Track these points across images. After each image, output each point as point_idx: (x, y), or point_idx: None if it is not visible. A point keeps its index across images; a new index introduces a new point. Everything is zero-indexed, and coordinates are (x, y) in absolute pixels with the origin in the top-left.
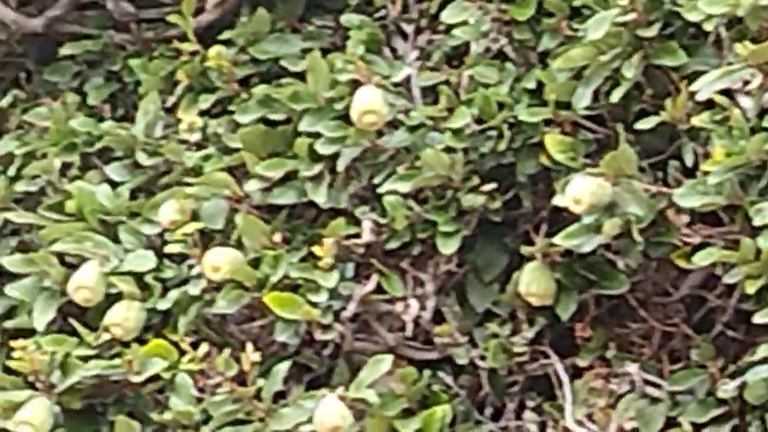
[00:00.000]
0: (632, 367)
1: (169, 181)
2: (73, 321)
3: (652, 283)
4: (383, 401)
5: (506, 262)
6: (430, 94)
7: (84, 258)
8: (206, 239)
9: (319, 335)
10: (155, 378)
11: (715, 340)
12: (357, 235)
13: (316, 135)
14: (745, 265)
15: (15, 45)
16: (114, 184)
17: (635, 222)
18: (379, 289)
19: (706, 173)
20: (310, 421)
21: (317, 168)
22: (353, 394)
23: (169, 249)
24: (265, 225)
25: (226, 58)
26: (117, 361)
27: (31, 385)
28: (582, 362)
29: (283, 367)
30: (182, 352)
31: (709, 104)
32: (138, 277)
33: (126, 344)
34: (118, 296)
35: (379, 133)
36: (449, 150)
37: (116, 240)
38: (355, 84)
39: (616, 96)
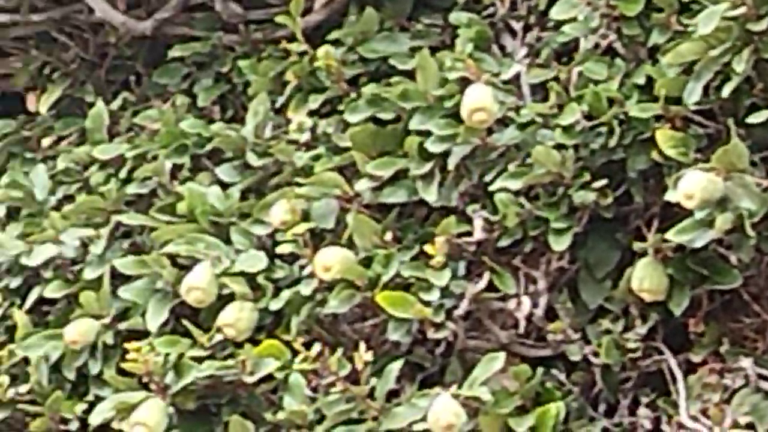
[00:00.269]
0: (746, 362)
1: (279, 182)
2: (185, 322)
3: (765, 278)
4: (496, 399)
5: (618, 258)
6: (540, 91)
7: (196, 259)
8: (317, 239)
9: (431, 333)
10: (268, 378)
11: None
12: (468, 233)
13: (426, 133)
14: None
15: (124, 48)
16: (224, 186)
17: (747, 216)
18: (491, 287)
19: None
20: (423, 419)
21: (428, 166)
22: (466, 392)
23: (280, 249)
24: (375, 224)
25: (335, 58)
26: (230, 362)
27: (146, 387)
28: (695, 357)
29: (396, 366)
30: (295, 352)
31: None
32: (250, 277)
33: (239, 345)
34: (231, 297)
35: (489, 131)
36: (560, 147)
37: (227, 241)
38: (465, 82)
39: (726, 90)
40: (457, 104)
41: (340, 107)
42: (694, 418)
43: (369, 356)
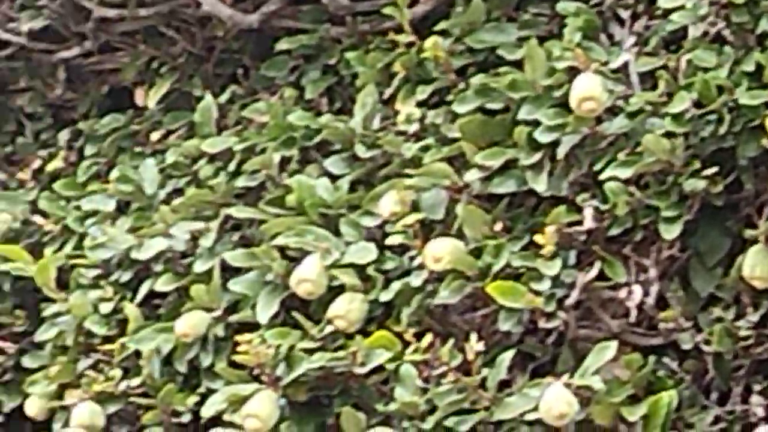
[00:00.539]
0: None
1: (388, 173)
2: (296, 314)
3: None
4: (609, 388)
5: (729, 246)
6: (648, 79)
7: (305, 251)
8: (426, 230)
9: (542, 323)
10: (379, 369)
11: None
12: (578, 223)
13: (535, 123)
14: None
15: (231, 41)
16: (333, 177)
17: None
18: (601, 276)
19: None
20: (535, 409)
21: (537, 156)
22: (578, 381)
23: (390, 240)
24: (485, 214)
25: (443, 49)
26: (341, 353)
27: (257, 379)
28: None
29: (507, 356)
30: (406, 343)
31: None
32: (360, 269)
33: (350, 336)
34: (341, 289)
35: (599, 120)
36: (669, 135)
37: (337, 233)
38: (573, 71)
39: None
40: (565, 94)
41: (449, 98)
42: None
43: (480, 346)
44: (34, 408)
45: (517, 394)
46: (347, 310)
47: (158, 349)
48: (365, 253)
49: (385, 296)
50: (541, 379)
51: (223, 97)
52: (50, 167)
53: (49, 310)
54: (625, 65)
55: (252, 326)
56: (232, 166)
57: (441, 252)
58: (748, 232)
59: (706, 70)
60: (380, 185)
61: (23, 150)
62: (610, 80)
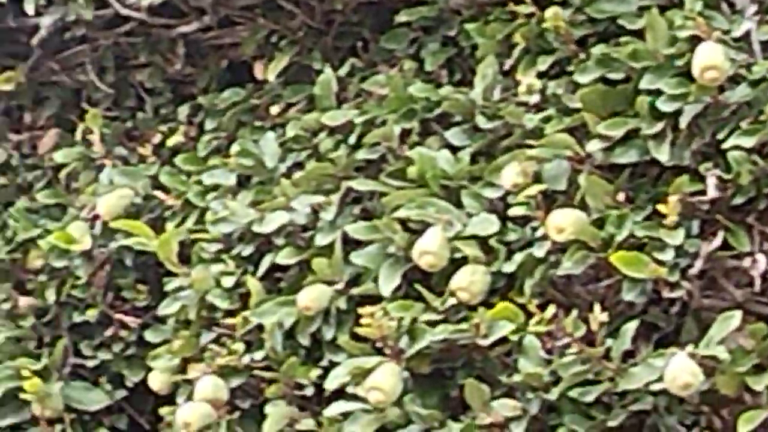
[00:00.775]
0: None
1: (509, 144)
2: (418, 286)
3: None
4: (733, 358)
5: None
6: None
7: (427, 223)
8: (549, 201)
9: (666, 293)
10: (503, 341)
11: None
12: (702, 192)
13: (657, 92)
14: None
15: (351, 14)
16: (454, 149)
17: None
18: (725, 245)
19: None
20: (660, 379)
21: (659, 126)
22: (703, 351)
23: (512, 212)
24: (607, 184)
25: (563, 19)
26: (464, 325)
27: (380, 351)
28: None
29: (631, 327)
30: (529, 315)
31: None
32: (482, 240)
33: (472, 308)
34: (463, 260)
35: (721, 89)
36: None
37: (458, 204)
38: (695, 40)
39: None
40: (687, 63)
41: (569, 68)
42: None
43: (604, 317)
44: (157, 382)
45: (641, 364)
46: (470, 282)
47: (280, 323)
48: (487, 224)
49: (508, 268)
50: (665, 350)
51: (343, 70)
52: (171, 142)
53: (171, 285)
54: (747, 34)
55: (374, 299)
56: (352, 139)
57: (564, 223)
58: None
59: None
60: (501, 156)
61: (144, 125)
62: (732, 49)
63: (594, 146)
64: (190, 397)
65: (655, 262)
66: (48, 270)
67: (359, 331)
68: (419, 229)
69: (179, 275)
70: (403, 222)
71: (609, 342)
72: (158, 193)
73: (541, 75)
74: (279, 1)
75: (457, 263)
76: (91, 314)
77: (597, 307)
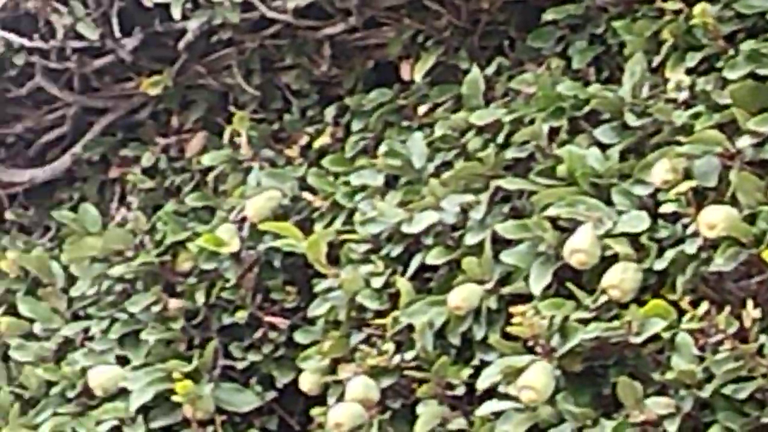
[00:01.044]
0: None
1: (658, 141)
2: (569, 284)
3: None
4: None
5: None
6: None
7: (577, 221)
8: (699, 197)
9: None
10: (655, 338)
11: None
12: None
13: None
14: None
15: (497, 13)
16: (603, 147)
17: None
18: None
19: None
20: None
21: None
22: None
23: (663, 209)
24: (759, 180)
25: (711, 15)
26: (616, 323)
27: (531, 350)
28: None
29: None
30: (681, 312)
31: None
32: (633, 238)
33: (624, 306)
34: (614, 258)
35: None
36: None
37: (608, 202)
38: None
39: None
40: None
41: (718, 64)
42: None
43: (756, 313)
44: (307, 383)
45: None
46: (621, 279)
47: (431, 323)
48: (638, 221)
49: (659, 265)
50: None
51: (490, 69)
52: (317, 143)
53: (320, 286)
54: None
55: (525, 298)
56: (500, 138)
57: (715, 219)
58: None
59: None
60: (651, 153)
61: (290, 127)
62: None
63: (744, 142)
64: (341, 398)
65: None
66: (197, 272)
67: (510, 330)
68: (569, 228)
69: (328, 276)
70: (553, 220)
71: (762, 338)
72: (306, 195)
73: (689, 71)
74: (425, 1)
75: (607, 261)
76: (241, 316)
77: (750, 304)
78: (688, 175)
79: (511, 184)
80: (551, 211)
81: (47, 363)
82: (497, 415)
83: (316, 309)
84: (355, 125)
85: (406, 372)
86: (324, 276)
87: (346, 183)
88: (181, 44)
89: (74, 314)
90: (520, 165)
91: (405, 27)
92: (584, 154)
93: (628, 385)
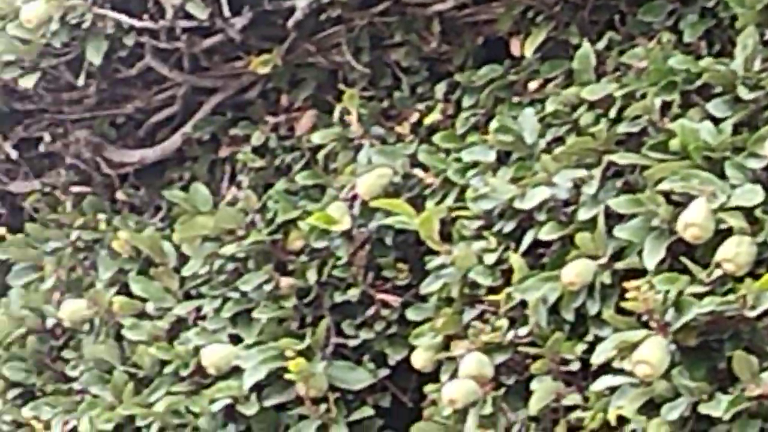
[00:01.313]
0: None
1: None
2: (683, 259)
3: None
4: None
5: None
6: None
7: (691, 195)
8: None
9: None
10: None
11: None
12: None
13: None
14: None
15: None
16: (716, 120)
17: None
18: None
19: None
20: None
21: None
22: None
23: None
24: None
25: None
26: (730, 297)
27: (645, 325)
28: None
29: None
30: None
31: None
32: (747, 211)
33: (739, 279)
34: (728, 232)
35: None
36: None
37: (722, 176)
38: None
39: None
40: None
41: None
42: None
43: None
44: (420, 360)
45: None
46: (735, 253)
47: (544, 298)
48: (752, 195)
49: None
50: None
51: (600, 44)
52: (428, 120)
53: (433, 263)
54: None
55: (639, 272)
56: (612, 113)
57: None
58: None
59: None
60: (764, 127)
61: (400, 104)
62: None
63: None
64: (454, 375)
65: None
66: (308, 251)
67: (624, 305)
68: (682, 202)
69: (441, 253)
70: (666, 194)
71: None
72: (417, 172)
73: None
74: None
75: (721, 235)
76: (353, 294)
77: None
78: None
79: (623, 158)
80: (664, 186)
81: (160, 342)
82: (612, 390)
83: (429, 286)
84: (466, 101)
85: (519, 348)
86: (436, 253)
87: (458, 159)
88: (291, 22)
89: (186, 293)
90: (632, 139)
91: (515, 2)
92: (697, 127)
93: (743, 359)
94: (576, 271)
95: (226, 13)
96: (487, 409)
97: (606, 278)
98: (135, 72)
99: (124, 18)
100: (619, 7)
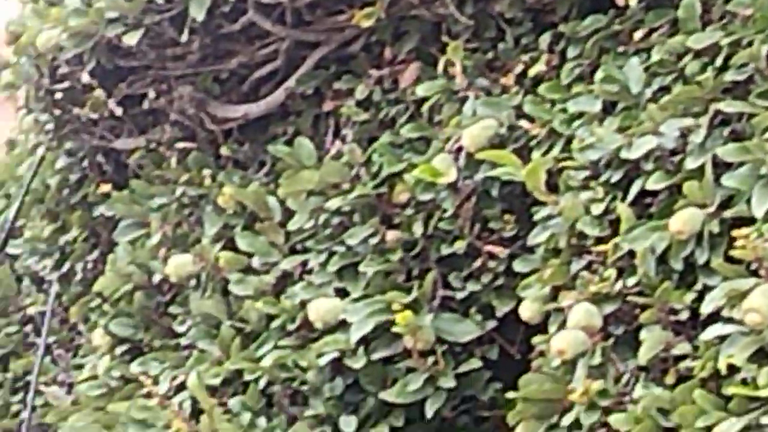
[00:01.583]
0: None
1: None
2: None
3: None
4: None
5: None
6: None
7: None
8: None
9: None
10: None
11: None
12: None
13: None
14: None
15: None
16: None
17: None
18: None
19: None
20: None
21: None
22: None
23: None
24: None
25: None
26: None
27: (755, 273)
28: None
29: None
30: None
31: None
32: None
33: None
34: None
35: None
36: None
37: None
38: None
39: None
40: None
41: None
42: None
43: None
44: (527, 311)
45: None
46: None
47: (652, 248)
48: None
49: None
50: None
51: None
52: (533, 71)
53: (540, 214)
54: None
55: (747, 221)
56: (718, 61)
57: None
58: None
59: None
60: None
61: (505, 55)
62: None
63: None
64: (562, 326)
65: None
66: (414, 203)
67: (733, 253)
68: None
69: (548, 204)
70: None
71: None
72: (522, 123)
73: None
74: None
75: None
76: (459, 246)
77: None
78: None
79: (730, 107)
80: None
81: (267, 297)
82: (722, 339)
83: (536, 237)
84: (571, 52)
85: (628, 298)
86: (543, 204)
87: (563, 110)
88: None
89: (292, 248)
90: (739, 87)
91: None
92: None
93: None
94: (684, 220)
95: None
96: (596, 360)
97: (714, 227)
98: (238, 27)
99: None
100: None
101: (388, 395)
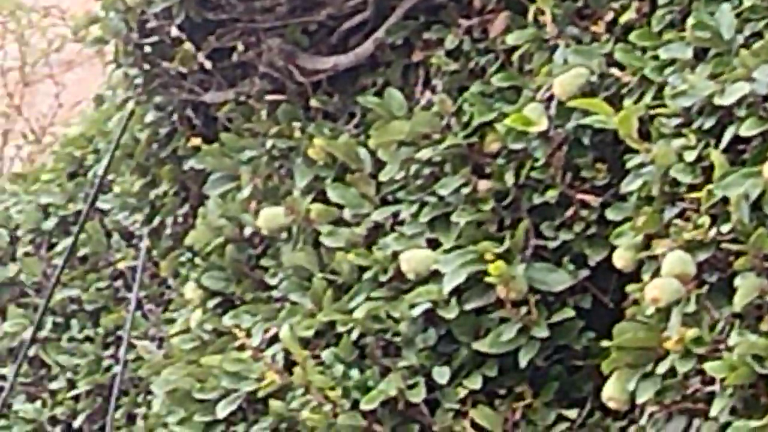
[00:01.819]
0: None
1: None
2: None
3: None
4: None
5: None
6: None
7: None
8: None
9: None
10: None
11: None
12: None
13: None
14: None
15: None
16: None
17: None
18: None
19: None
20: None
21: None
22: None
23: None
24: None
25: None
26: None
27: None
28: None
29: None
30: None
31: None
32: None
33: None
34: None
35: None
36: None
37: None
38: None
39: None
40: None
41: None
42: None
43: None
44: (621, 260)
45: None
46: None
47: (746, 195)
48: None
49: None
50: None
51: None
52: (623, 19)
53: (632, 162)
54: None
55: None
56: None
57: None
58: None
59: None
60: None
61: (595, 3)
62: None
63: None
64: (656, 274)
65: None
66: (505, 153)
67: None
68: None
69: (640, 151)
70: None
71: None
72: (614, 71)
73: None
74: None
75: None
76: (551, 195)
77: None
78: None
79: None
80: None
81: (358, 248)
82: None
83: (629, 185)
84: None
85: (722, 245)
86: (635, 151)
87: (655, 57)
88: None
89: (383, 199)
90: None
91: None
92: None
93: None
94: None
95: None
96: (691, 307)
97: None
98: None
99: None
100: None
101: (481, 345)
